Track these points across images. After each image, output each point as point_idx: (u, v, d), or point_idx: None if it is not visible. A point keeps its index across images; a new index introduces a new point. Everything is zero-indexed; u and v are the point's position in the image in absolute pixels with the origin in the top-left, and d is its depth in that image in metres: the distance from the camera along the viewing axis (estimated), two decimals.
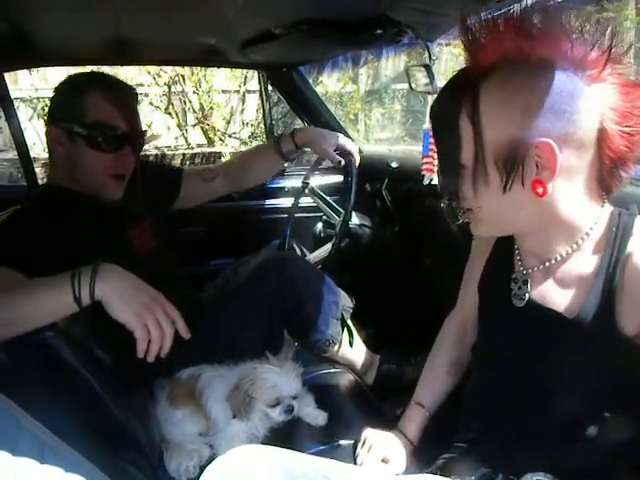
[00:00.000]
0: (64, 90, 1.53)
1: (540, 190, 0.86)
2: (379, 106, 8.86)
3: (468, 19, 0.87)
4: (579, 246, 0.93)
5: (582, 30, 0.83)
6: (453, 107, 0.89)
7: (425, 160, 1.62)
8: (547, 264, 0.98)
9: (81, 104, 1.47)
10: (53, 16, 1.49)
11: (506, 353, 1.06)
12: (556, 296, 0.97)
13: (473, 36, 0.87)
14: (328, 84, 6.87)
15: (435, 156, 1.58)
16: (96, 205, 1.55)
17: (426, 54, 1.65)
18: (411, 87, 1.70)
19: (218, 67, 4.89)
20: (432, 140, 1.57)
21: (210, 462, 1.28)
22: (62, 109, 1.52)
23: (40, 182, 2.42)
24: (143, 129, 1.61)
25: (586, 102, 0.83)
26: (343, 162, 1.92)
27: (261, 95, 2.65)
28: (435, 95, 1.01)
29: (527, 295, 1.01)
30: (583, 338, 0.92)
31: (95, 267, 1.10)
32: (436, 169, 1.59)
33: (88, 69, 2.01)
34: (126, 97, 1.53)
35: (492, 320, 1.12)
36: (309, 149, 2.03)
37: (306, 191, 2.08)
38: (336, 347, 1.71)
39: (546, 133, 0.83)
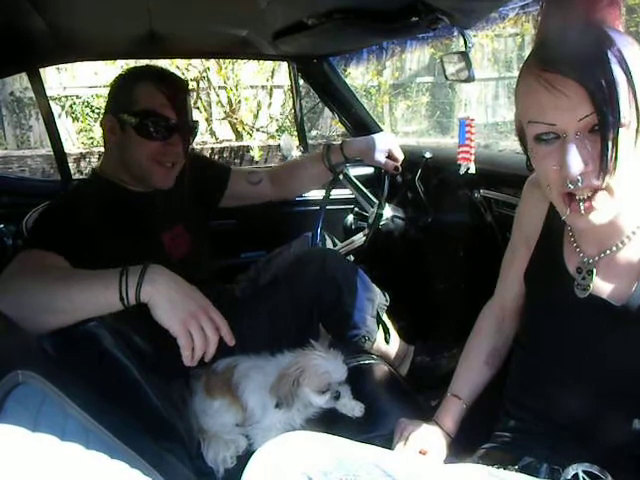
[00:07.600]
0: (120, 81, 1.58)
1: None
2: (406, 99, 8.81)
3: None
4: (631, 238, 0.94)
5: None
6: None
7: (461, 149, 1.59)
8: (603, 254, 0.97)
9: (133, 94, 1.51)
10: (87, 11, 1.51)
11: (560, 343, 1.04)
12: (606, 285, 0.96)
13: None
14: (355, 77, 6.86)
15: (472, 144, 1.55)
16: (133, 201, 1.57)
17: (454, 44, 1.62)
18: (446, 76, 1.66)
19: (248, 59, 4.87)
20: (468, 129, 1.55)
21: (247, 453, 1.31)
22: (116, 99, 1.57)
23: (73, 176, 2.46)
24: (193, 122, 1.62)
25: None
26: (400, 169, 1.90)
27: (292, 87, 2.63)
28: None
29: (591, 286, 0.98)
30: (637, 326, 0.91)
31: (144, 268, 1.09)
32: (473, 158, 1.57)
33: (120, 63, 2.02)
34: (178, 89, 1.54)
35: (546, 310, 1.09)
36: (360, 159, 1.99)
37: (341, 177, 2.05)
38: (371, 343, 1.72)
39: None
